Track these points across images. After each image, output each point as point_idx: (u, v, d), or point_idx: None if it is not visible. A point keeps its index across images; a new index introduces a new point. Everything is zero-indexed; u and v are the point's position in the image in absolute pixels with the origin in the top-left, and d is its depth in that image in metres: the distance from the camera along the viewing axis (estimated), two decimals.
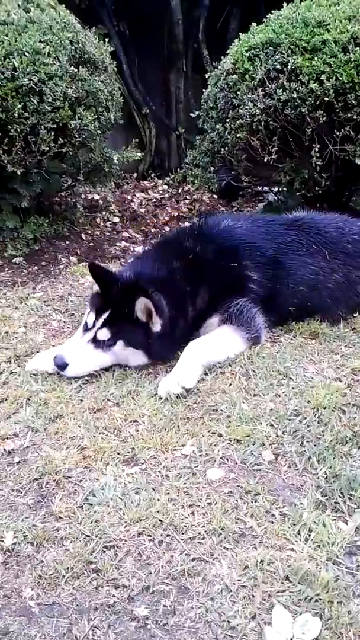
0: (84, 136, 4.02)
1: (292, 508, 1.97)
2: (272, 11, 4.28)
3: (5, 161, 3.70)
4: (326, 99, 3.66)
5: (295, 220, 3.32)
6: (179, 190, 6.76)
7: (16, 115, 3.55)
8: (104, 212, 5.56)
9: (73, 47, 3.98)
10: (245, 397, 2.57)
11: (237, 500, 2.01)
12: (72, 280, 3.96)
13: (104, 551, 1.82)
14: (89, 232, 5.00)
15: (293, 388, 2.63)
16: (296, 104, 3.75)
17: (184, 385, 2.58)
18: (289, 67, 3.76)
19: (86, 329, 2.78)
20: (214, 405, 2.52)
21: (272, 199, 5.33)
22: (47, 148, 3.76)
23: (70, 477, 2.12)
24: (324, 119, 3.70)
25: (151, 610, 1.65)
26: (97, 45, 4.37)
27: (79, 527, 1.90)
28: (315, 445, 2.26)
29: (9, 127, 3.59)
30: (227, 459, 2.21)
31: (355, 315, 3.27)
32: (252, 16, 4.79)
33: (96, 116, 4.07)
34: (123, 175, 6.58)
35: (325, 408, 2.46)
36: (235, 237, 3.12)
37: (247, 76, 4.02)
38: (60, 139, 3.80)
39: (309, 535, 1.86)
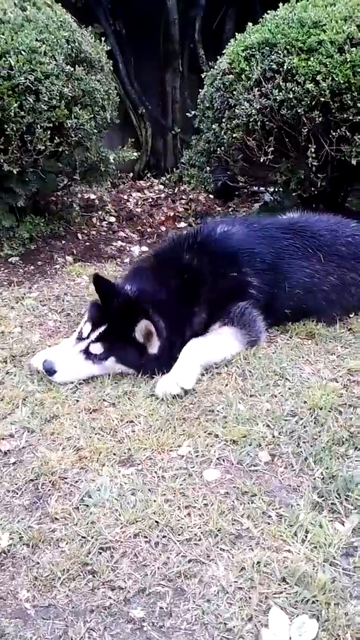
0: (80, 135, 4.00)
1: (289, 509, 1.97)
2: (268, 11, 4.27)
3: (1, 160, 3.69)
4: (322, 99, 3.65)
5: (291, 224, 3.31)
6: (175, 190, 6.76)
7: (12, 114, 3.54)
8: (100, 212, 5.55)
9: (69, 46, 3.96)
10: (241, 398, 2.57)
11: (233, 502, 2.01)
12: (68, 280, 3.95)
13: (100, 553, 1.81)
14: (85, 231, 4.99)
15: (289, 389, 2.62)
16: (292, 104, 3.74)
17: (183, 386, 2.57)
18: (285, 67, 3.75)
19: (80, 338, 2.74)
20: (210, 405, 2.51)
21: (268, 199, 5.33)
22: (43, 147, 3.74)
23: (66, 478, 2.11)
24: (320, 119, 3.70)
25: (147, 612, 1.64)
26: (93, 45, 4.36)
27: (75, 529, 1.89)
28: (311, 446, 2.26)
29: (5, 126, 3.58)
30: (224, 460, 2.21)
31: (351, 315, 3.28)
32: (248, 16, 4.77)
33: (92, 115, 4.06)
34: (119, 174, 6.57)
35: (321, 409, 2.46)
36: (233, 245, 3.09)
37: (243, 76, 4.01)
38: (56, 138, 3.79)
39: (306, 537, 1.86)
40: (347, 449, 2.25)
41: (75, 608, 1.65)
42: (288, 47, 3.79)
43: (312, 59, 3.66)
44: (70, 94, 3.82)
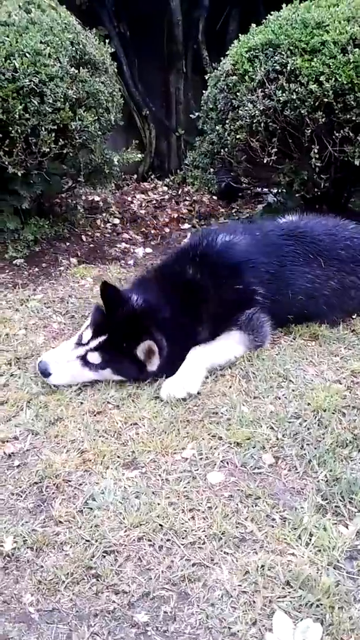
0: (84, 137, 4.02)
1: (293, 512, 1.97)
2: (272, 12, 4.26)
3: (6, 162, 3.70)
4: (325, 100, 3.64)
5: (291, 230, 3.27)
6: (179, 192, 6.76)
7: (17, 116, 3.55)
8: (104, 214, 5.55)
9: (74, 48, 3.97)
10: (245, 400, 2.56)
11: (237, 504, 2.01)
12: (73, 282, 3.96)
13: (104, 556, 1.81)
14: (90, 233, 4.99)
15: (293, 390, 2.62)
16: (295, 105, 3.74)
17: (189, 390, 2.58)
18: (289, 68, 3.75)
19: (79, 343, 2.71)
20: (214, 408, 2.51)
21: (272, 200, 5.32)
22: (48, 149, 3.76)
23: (70, 481, 2.11)
24: (323, 120, 3.69)
25: (151, 616, 1.64)
26: (97, 47, 4.37)
27: (79, 532, 1.89)
28: (315, 448, 2.25)
29: (10, 128, 3.59)
30: (228, 463, 2.20)
31: (354, 317, 3.27)
32: (252, 17, 4.78)
33: (96, 117, 4.07)
34: (123, 176, 6.57)
35: (325, 410, 2.45)
36: (236, 255, 3.03)
37: (246, 77, 4.01)
38: (60, 140, 3.80)
39: (310, 540, 1.86)
40: (351, 451, 2.24)
41: (79, 612, 1.65)
42: (291, 48, 3.78)
43: (315, 59, 3.66)
44: (74, 96, 3.83)
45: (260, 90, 3.89)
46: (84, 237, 4.85)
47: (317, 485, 2.08)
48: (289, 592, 1.69)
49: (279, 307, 3.05)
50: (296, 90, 3.70)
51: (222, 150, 4.40)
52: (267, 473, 2.16)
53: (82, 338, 2.72)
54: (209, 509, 1.98)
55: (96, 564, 1.78)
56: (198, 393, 2.61)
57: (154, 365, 2.69)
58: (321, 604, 1.65)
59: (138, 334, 2.64)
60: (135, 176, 7.21)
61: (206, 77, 4.70)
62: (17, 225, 4.21)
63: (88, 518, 1.95)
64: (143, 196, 6.58)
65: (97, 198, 5.84)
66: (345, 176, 4.24)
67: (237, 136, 4.11)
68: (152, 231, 5.41)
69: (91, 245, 4.77)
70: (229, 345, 2.87)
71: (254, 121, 3.93)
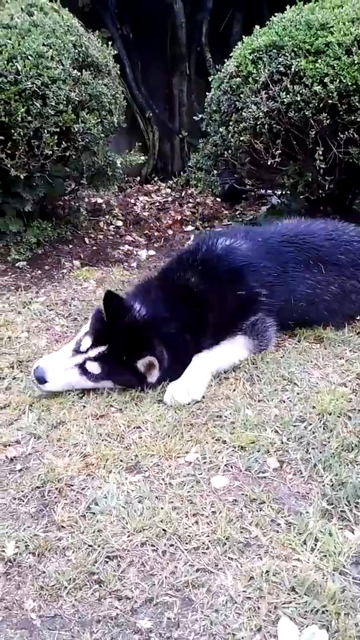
0: (87, 140, 4.01)
1: (298, 517, 1.94)
2: (275, 14, 4.25)
3: (9, 165, 3.69)
4: (330, 101, 3.63)
5: (291, 237, 3.20)
6: (182, 194, 6.75)
7: (19, 119, 3.55)
8: (107, 216, 5.54)
9: (76, 51, 3.97)
10: (249, 403, 2.54)
11: (241, 509, 1.98)
12: (75, 285, 3.94)
13: (107, 561, 1.79)
14: (92, 235, 4.98)
15: (298, 393, 2.60)
16: (300, 106, 3.72)
17: (194, 396, 2.56)
18: (293, 69, 3.74)
19: (77, 350, 2.63)
20: (218, 411, 2.49)
21: (276, 202, 5.31)
22: (50, 152, 3.75)
23: (72, 485, 2.10)
24: (328, 121, 3.68)
25: (155, 622, 1.62)
26: (100, 49, 4.37)
27: (82, 537, 1.87)
28: (320, 452, 2.23)
29: (12, 130, 3.59)
30: (232, 467, 2.18)
31: (358, 318, 3.25)
32: (255, 19, 4.78)
33: (99, 120, 4.06)
34: (126, 178, 6.57)
35: (330, 414, 2.43)
36: (237, 261, 2.98)
37: (250, 79, 4.00)
38: (63, 142, 3.79)
39: (315, 545, 1.83)
40: (357, 455, 2.21)
41: (82, 618, 1.63)
42: (295, 49, 3.78)
43: (319, 61, 3.65)
44: (77, 99, 3.83)
45: (264, 91, 3.88)
46: (86, 240, 4.84)
47: (323, 489, 2.06)
48: (294, 598, 1.67)
49: (281, 313, 3.01)
50: (300, 91, 3.69)
51: (225, 152, 4.39)
52: (271, 477, 2.13)
53: (80, 345, 2.64)
54: (213, 513, 1.96)
55: (99, 569, 1.76)
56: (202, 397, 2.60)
57: (153, 377, 2.66)
58: (327, 610, 1.63)
59: (140, 347, 2.60)
60: (138, 178, 7.21)
61: (209, 79, 4.70)
62: (19, 228, 4.20)
63: (91, 523, 1.93)
64: (146, 198, 6.57)
65: (100, 200, 5.83)
66: (350, 178, 4.23)
67: (241, 138, 4.10)
68: (156, 233, 5.39)
69: (94, 248, 4.76)
70: (234, 349, 2.85)
71: (258, 123, 3.92)
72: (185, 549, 1.82)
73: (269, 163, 3.99)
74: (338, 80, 3.58)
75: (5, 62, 3.51)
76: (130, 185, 6.97)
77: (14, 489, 2.10)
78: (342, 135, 3.70)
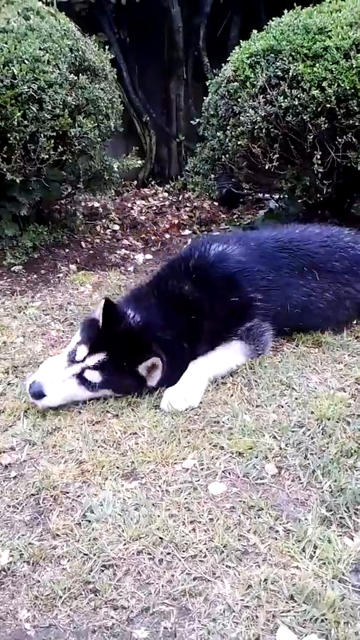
0: (83, 144, 3.99)
1: (297, 524, 1.92)
2: (273, 18, 4.26)
3: (5, 169, 3.68)
4: (328, 105, 3.63)
5: (285, 243, 3.18)
6: (180, 198, 6.74)
7: (15, 123, 3.54)
8: (104, 220, 5.53)
9: (73, 55, 3.96)
10: (247, 409, 2.52)
11: (239, 516, 1.96)
12: (72, 289, 3.92)
13: (103, 570, 1.76)
14: (89, 240, 4.96)
15: (296, 399, 2.57)
16: (297, 111, 3.72)
17: (191, 403, 2.54)
18: (290, 74, 3.73)
19: (72, 360, 2.57)
20: (215, 416, 2.47)
21: (273, 206, 5.30)
22: (47, 156, 3.74)
23: (68, 493, 2.07)
24: (326, 125, 3.67)
25: (151, 632, 1.59)
26: (97, 53, 4.36)
27: (77, 545, 1.84)
28: (319, 458, 2.20)
29: (8, 135, 3.57)
30: (229, 473, 2.16)
31: (358, 324, 3.23)
32: (253, 23, 4.77)
33: (96, 124, 4.05)
34: (123, 182, 6.56)
35: (329, 419, 2.40)
36: (231, 267, 2.96)
37: (248, 83, 3.99)
38: (59, 146, 3.78)
39: (314, 552, 1.81)
40: (356, 460, 2.19)
41: (77, 628, 1.60)
42: (293, 53, 3.77)
43: (317, 65, 3.65)
44: (73, 103, 3.82)
45: (261, 96, 3.88)
46: (83, 244, 4.82)
47: (322, 496, 2.03)
48: (293, 607, 1.64)
49: (276, 319, 2.99)
50: (298, 96, 3.69)
51: (223, 156, 4.38)
52: (270, 484, 2.11)
53: (74, 354, 2.58)
54: (210, 521, 1.93)
55: (94, 578, 1.73)
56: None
57: (154, 380, 2.64)
58: (326, 619, 1.60)
59: (140, 350, 2.58)
60: (135, 182, 7.21)
61: (207, 84, 4.69)
62: (15, 232, 4.19)
63: (86, 531, 1.90)
64: (143, 202, 6.56)
65: (96, 204, 5.82)
66: (348, 182, 4.22)
67: (239, 142, 4.09)
68: (152, 237, 5.38)
69: (91, 252, 4.74)
70: (230, 355, 2.83)
71: (256, 127, 3.92)
72: (182, 557, 1.80)
73: (266, 167, 3.99)
74: (336, 84, 3.57)
75: (2, 66, 3.50)
76: (127, 189, 6.97)
77: (9, 497, 2.07)
78: (340, 139, 3.69)
